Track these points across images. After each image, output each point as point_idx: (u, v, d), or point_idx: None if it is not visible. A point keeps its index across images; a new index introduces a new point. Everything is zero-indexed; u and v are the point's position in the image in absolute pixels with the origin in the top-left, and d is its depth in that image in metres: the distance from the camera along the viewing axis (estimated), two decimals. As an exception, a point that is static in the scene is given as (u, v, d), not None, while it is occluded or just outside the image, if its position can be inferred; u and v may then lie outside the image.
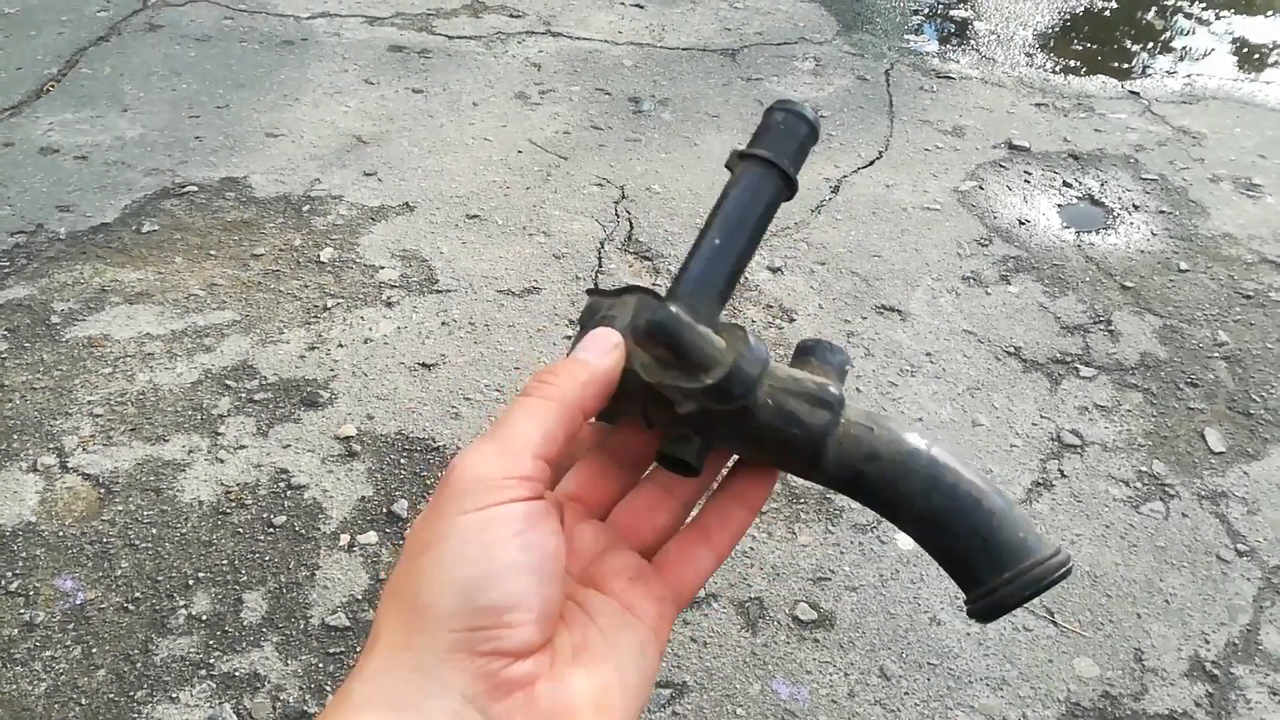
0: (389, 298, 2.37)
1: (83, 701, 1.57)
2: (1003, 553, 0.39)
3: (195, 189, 2.71)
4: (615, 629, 0.42)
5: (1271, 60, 3.78)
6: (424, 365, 2.19)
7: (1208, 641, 1.74)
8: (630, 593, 0.43)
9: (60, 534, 1.81)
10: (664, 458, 0.45)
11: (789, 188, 0.44)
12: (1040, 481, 2.01)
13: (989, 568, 0.39)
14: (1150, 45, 3.86)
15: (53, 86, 3.14)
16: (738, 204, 0.43)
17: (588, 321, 0.47)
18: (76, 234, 2.52)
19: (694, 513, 0.48)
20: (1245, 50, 3.84)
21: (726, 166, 0.45)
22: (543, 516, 0.38)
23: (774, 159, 0.43)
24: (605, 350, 0.43)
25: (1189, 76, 3.61)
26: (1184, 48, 3.83)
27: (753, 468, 0.47)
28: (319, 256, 2.49)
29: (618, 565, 0.45)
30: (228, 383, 2.12)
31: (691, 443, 0.44)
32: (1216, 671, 1.70)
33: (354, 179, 2.79)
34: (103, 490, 1.89)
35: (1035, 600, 1.78)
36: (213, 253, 2.49)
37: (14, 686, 1.58)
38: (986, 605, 0.39)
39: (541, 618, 0.37)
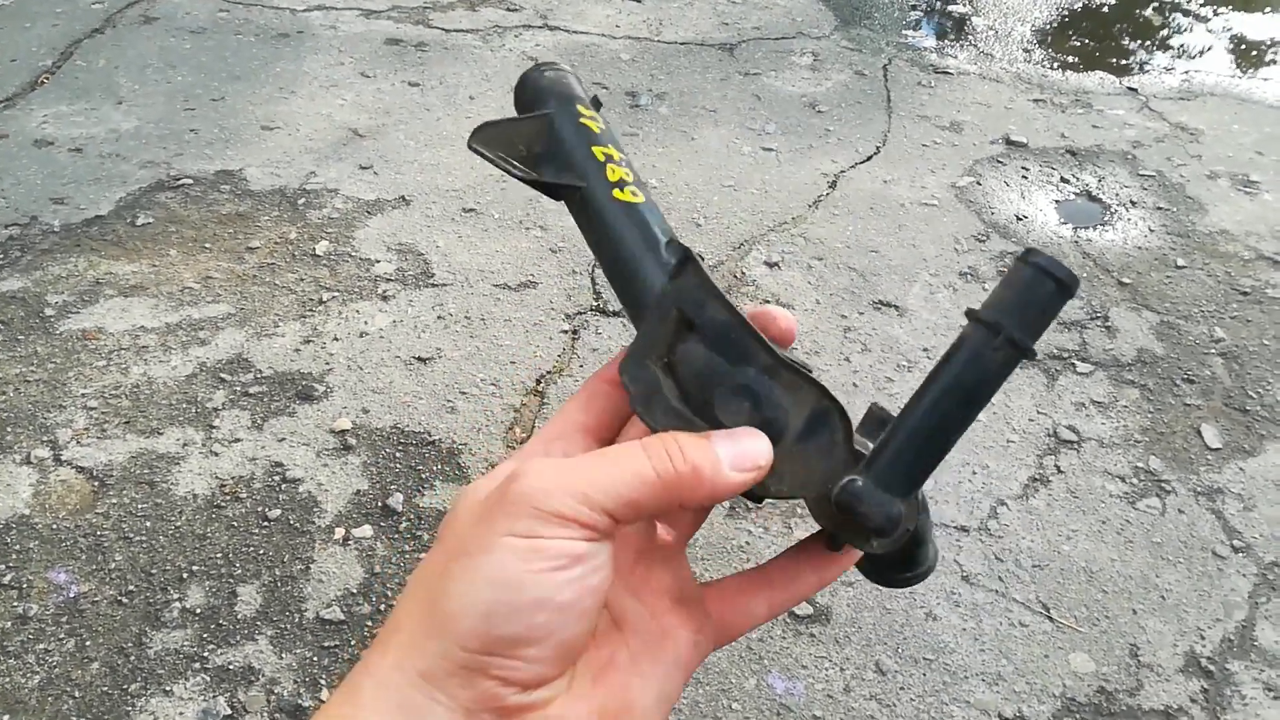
0: (385, 291, 2.36)
1: (76, 694, 1.57)
2: (922, 557, 0.46)
3: (190, 182, 2.70)
4: (646, 650, 0.40)
5: (1269, 57, 3.78)
6: (420, 359, 2.19)
7: (1203, 637, 1.74)
8: (671, 615, 0.42)
9: (54, 527, 1.80)
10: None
11: (1024, 355, 0.38)
12: (1037, 477, 2.01)
13: (905, 566, 0.46)
14: (1148, 42, 3.86)
15: (47, 79, 3.12)
16: (959, 377, 0.38)
17: (683, 301, 0.42)
18: (70, 226, 2.51)
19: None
20: (1243, 47, 3.84)
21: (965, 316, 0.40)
22: (592, 553, 0.36)
23: (1004, 324, 0.37)
24: (746, 467, 0.39)
25: (1187, 73, 3.61)
26: (1182, 44, 3.83)
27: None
28: (314, 250, 2.48)
29: (664, 582, 0.43)
30: (222, 376, 2.12)
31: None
32: (1212, 667, 1.70)
33: (350, 172, 2.78)
34: (96, 483, 1.88)
35: (1032, 597, 1.78)
36: (207, 246, 2.48)
37: (7, 679, 1.58)
38: (885, 579, 0.47)
39: (560, 656, 0.36)
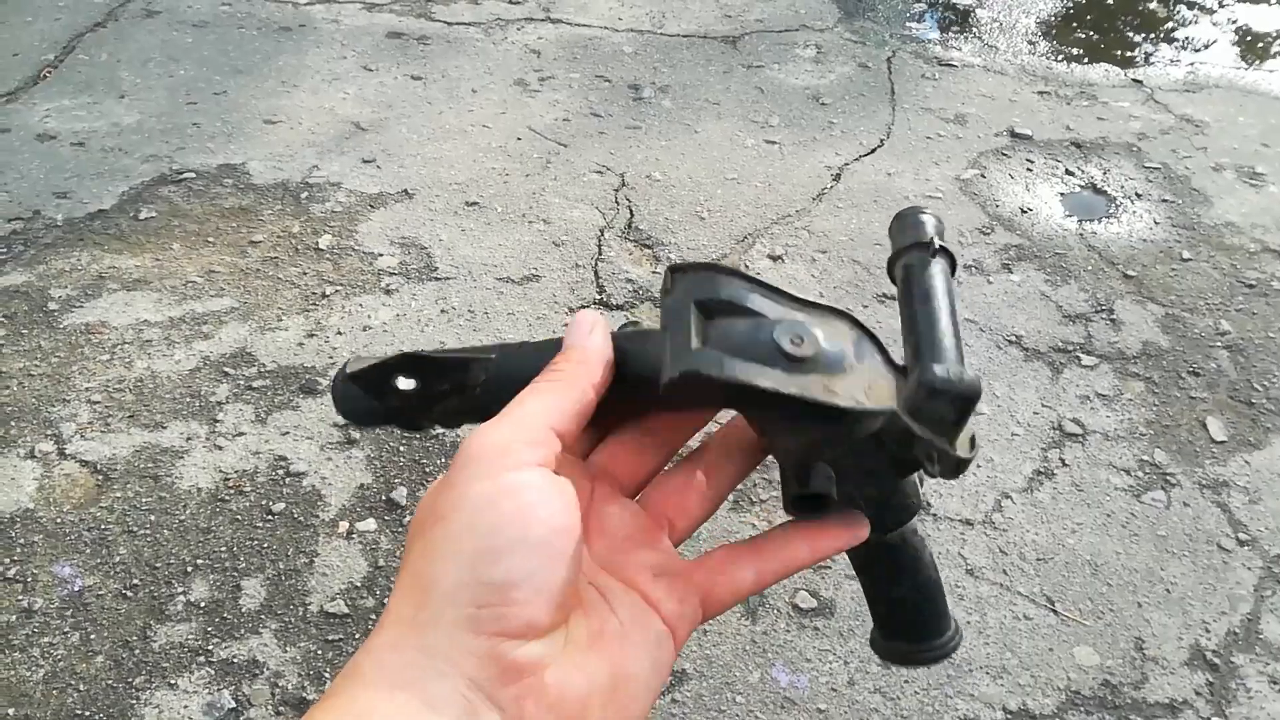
0: (388, 285, 2.36)
1: (81, 687, 1.57)
2: (947, 622, 0.50)
3: (193, 176, 2.70)
4: (634, 620, 0.41)
5: (1275, 49, 3.76)
6: (423, 353, 2.18)
7: (1208, 630, 1.74)
8: (652, 588, 0.42)
9: (58, 521, 1.80)
10: (801, 499, 0.43)
11: (951, 257, 0.46)
12: (1041, 470, 2.00)
13: (937, 628, 0.50)
14: (1153, 34, 3.84)
15: (49, 73, 3.12)
16: (934, 282, 0.44)
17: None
18: (74, 220, 2.51)
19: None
20: (1249, 38, 3.82)
21: (889, 269, 0.48)
22: (556, 491, 0.37)
23: (929, 243, 0.45)
24: (587, 330, 0.43)
25: (1192, 65, 3.59)
26: (1187, 36, 3.81)
27: (838, 519, 0.45)
28: (317, 244, 2.48)
29: (644, 559, 0.43)
30: (226, 370, 2.12)
31: (821, 472, 0.42)
32: (1217, 660, 1.69)
33: (352, 166, 2.78)
34: (101, 477, 1.88)
35: (1037, 590, 1.77)
36: (211, 240, 2.48)
37: (12, 672, 1.58)
38: (915, 658, 0.50)
39: (550, 596, 0.36)
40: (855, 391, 0.40)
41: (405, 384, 0.45)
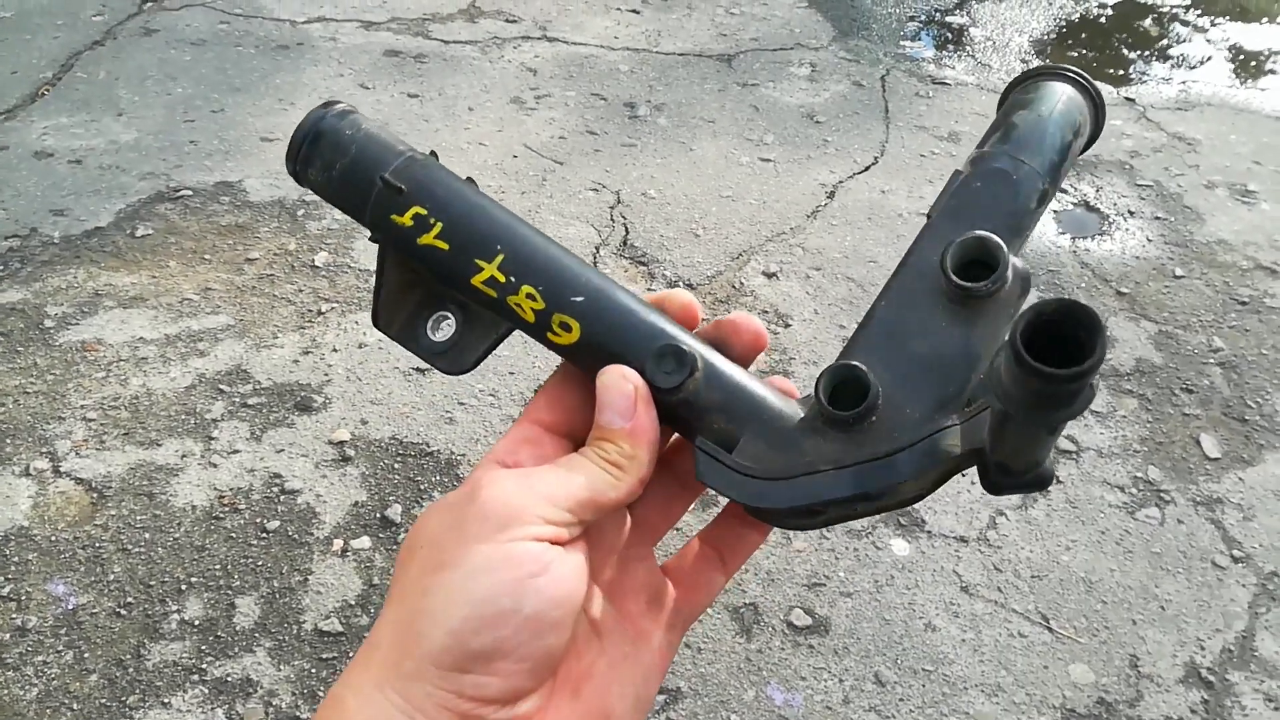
0: (384, 302, 2.36)
1: (74, 706, 1.56)
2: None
3: (190, 193, 2.71)
4: (623, 657, 0.41)
5: (1267, 67, 3.79)
6: (418, 370, 2.19)
7: (1203, 648, 1.74)
8: (645, 617, 0.43)
9: (53, 539, 1.80)
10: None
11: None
12: (1035, 487, 2.01)
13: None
14: (1146, 52, 3.87)
15: (47, 90, 3.13)
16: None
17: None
18: (70, 238, 2.52)
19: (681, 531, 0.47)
20: (1241, 57, 3.85)
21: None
22: (560, 560, 0.37)
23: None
24: (631, 405, 0.41)
25: (1184, 83, 3.62)
26: (1180, 55, 3.84)
27: None
28: (313, 261, 2.49)
29: (639, 580, 0.44)
30: (221, 387, 2.12)
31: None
32: (1212, 678, 1.69)
33: (349, 183, 2.78)
34: (95, 495, 1.88)
35: (1032, 608, 1.77)
36: (207, 257, 2.48)
37: (5, 691, 1.57)
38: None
39: (535, 665, 0.36)
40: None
41: (444, 330, 0.48)
